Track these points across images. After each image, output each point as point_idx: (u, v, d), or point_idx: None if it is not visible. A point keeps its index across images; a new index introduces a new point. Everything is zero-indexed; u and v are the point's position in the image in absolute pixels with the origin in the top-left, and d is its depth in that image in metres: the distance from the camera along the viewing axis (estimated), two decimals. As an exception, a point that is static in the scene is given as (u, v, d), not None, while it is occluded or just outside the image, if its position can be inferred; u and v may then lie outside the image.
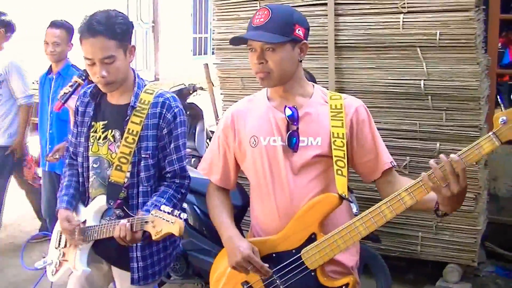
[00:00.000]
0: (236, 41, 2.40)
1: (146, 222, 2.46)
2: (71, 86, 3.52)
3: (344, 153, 2.35)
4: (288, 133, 2.37)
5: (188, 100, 6.48)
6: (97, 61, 2.60)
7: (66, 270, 2.95)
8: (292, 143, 2.36)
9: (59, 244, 2.96)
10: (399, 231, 4.34)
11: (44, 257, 3.11)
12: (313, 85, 2.51)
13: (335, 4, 4.12)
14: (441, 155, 1.97)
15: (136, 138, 2.68)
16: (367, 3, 4.07)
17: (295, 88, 2.42)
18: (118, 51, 2.61)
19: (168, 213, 2.40)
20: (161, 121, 2.70)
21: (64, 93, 3.51)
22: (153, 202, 2.66)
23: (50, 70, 4.85)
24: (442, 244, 4.24)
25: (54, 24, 4.73)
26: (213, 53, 15.72)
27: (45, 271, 3.07)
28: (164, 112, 2.70)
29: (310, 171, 2.38)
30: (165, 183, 2.77)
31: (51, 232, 3.13)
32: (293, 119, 2.36)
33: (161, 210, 2.43)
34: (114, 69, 2.62)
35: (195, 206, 4.10)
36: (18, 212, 6.92)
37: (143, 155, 2.70)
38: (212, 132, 6.64)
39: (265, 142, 2.41)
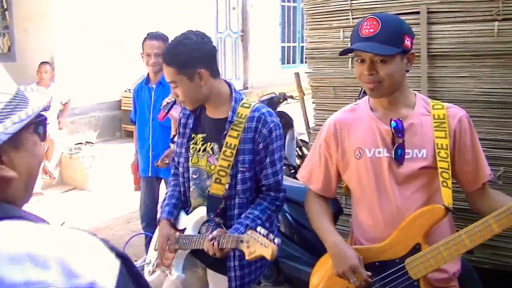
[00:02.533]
0: (345, 52, 2.47)
1: (242, 241, 2.51)
2: (173, 96, 3.66)
3: (448, 164, 2.35)
4: (395, 146, 2.39)
5: (278, 109, 6.55)
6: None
7: (162, 272, 3.07)
8: (398, 156, 2.38)
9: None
10: (492, 242, 4.24)
11: (135, 261, 3.24)
12: (415, 94, 2.52)
13: (428, 12, 4.09)
14: None
15: (234, 152, 2.77)
16: (460, 11, 4.02)
17: (400, 99, 2.44)
18: (179, 78, 2.76)
19: (264, 235, 2.44)
20: (257, 135, 2.79)
21: (167, 103, 3.66)
22: (247, 214, 2.77)
23: (148, 80, 5.00)
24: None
25: (152, 36, 4.88)
26: (301, 62, 15.86)
27: (143, 270, 3.20)
28: (260, 127, 2.79)
29: (414, 182, 2.39)
30: (261, 195, 2.86)
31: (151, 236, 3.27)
32: (398, 131, 2.38)
33: (257, 231, 2.47)
34: (181, 92, 2.79)
35: (287, 214, 4.15)
36: (110, 216, 7.16)
37: (240, 169, 2.79)
38: (302, 141, 6.70)
39: (370, 154, 2.44)
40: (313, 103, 4.73)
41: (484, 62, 4.03)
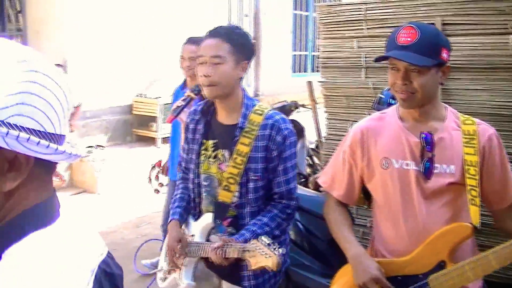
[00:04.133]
0: (380, 59, 2.40)
1: (247, 251, 2.48)
2: (184, 100, 3.65)
3: (477, 182, 2.31)
4: (424, 159, 2.35)
5: (290, 117, 6.54)
6: (207, 59, 2.67)
7: (174, 278, 3.06)
8: (426, 170, 2.34)
9: None
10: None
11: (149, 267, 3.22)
12: (446, 107, 2.48)
13: (443, 24, 4.09)
14: None
15: (245, 159, 2.72)
16: (475, 24, 4.02)
17: (431, 112, 2.40)
18: (229, 56, 2.68)
19: (267, 245, 2.42)
20: (271, 143, 2.73)
21: (177, 106, 3.65)
22: (255, 221, 2.73)
23: (184, 84, 5.02)
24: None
25: (191, 41, 4.90)
26: (312, 70, 15.85)
27: (155, 277, 3.20)
28: (273, 134, 2.73)
29: (441, 198, 2.36)
30: (272, 202, 2.81)
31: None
32: (428, 144, 2.34)
33: (260, 241, 2.45)
34: (219, 71, 2.67)
35: (297, 222, 4.14)
36: (119, 220, 7.16)
37: (252, 177, 2.74)
38: (313, 149, 6.69)
39: (397, 165, 2.40)
40: (325, 112, 4.73)
41: (498, 75, 4.03)
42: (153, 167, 5.48)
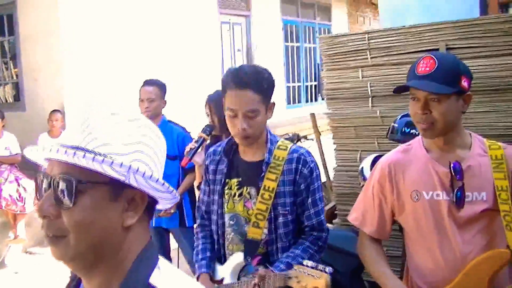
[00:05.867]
0: (399, 90, 2.40)
1: (290, 277, 2.41)
2: (196, 141, 3.62)
3: (510, 206, 2.29)
4: (455, 189, 2.33)
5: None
6: (240, 114, 2.63)
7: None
8: (458, 199, 2.31)
9: None
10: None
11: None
12: (470, 134, 2.46)
13: (447, 49, 4.10)
14: None
15: (273, 195, 2.69)
16: (479, 47, 4.04)
17: (456, 140, 2.38)
18: (261, 106, 2.66)
19: (312, 267, 2.36)
20: (298, 176, 2.71)
21: (190, 148, 3.62)
22: (288, 254, 2.67)
23: None
24: None
25: (147, 83, 4.92)
26: (306, 101, 15.86)
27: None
28: (300, 168, 2.72)
29: (475, 225, 2.33)
30: (303, 235, 2.78)
31: None
32: (457, 173, 2.32)
33: (304, 265, 2.39)
34: (255, 123, 2.66)
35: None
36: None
37: (281, 212, 2.71)
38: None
39: (428, 197, 2.37)
40: (334, 143, 4.71)
41: (504, 96, 4.03)
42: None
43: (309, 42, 16.83)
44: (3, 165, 7.95)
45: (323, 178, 6.26)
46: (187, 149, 3.79)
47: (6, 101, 11.05)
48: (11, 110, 9.90)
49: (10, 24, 10.16)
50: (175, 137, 4.85)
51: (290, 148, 2.80)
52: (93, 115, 1.25)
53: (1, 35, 10.43)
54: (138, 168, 1.18)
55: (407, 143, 2.58)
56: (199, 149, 3.87)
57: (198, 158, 3.93)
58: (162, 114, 5.00)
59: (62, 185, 1.18)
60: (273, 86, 2.76)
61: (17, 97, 10.48)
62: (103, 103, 1.35)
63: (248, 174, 2.81)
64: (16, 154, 8.28)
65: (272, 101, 2.76)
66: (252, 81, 2.64)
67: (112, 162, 1.16)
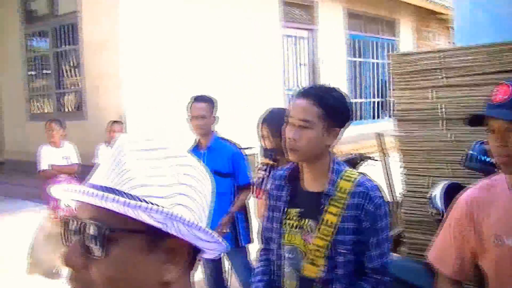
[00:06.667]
0: (474, 121, 2.16)
1: None
2: (262, 169, 3.47)
3: None
4: None
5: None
6: (295, 121, 2.47)
7: None
8: None
9: None
10: None
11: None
12: None
13: None
14: None
15: (333, 230, 2.46)
16: None
17: None
18: (318, 121, 2.45)
19: None
20: (361, 213, 2.45)
21: (258, 177, 3.47)
22: None
23: (198, 145, 4.84)
24: None
25: (198, 99, 4.78)
26: (370, 118, 15.57)
27: None
28: (364, 203, 2.45)
29: None
30: (364, 277, 2.52)
31: None
32: None
33: None
34: (305, 137, 2.45)
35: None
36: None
37: (341, 250, 2.47)
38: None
39: (509, 242, 2.13)
40: (403, 168, 4.47)
41: None
42: None
43: (374, 57, 16.55)
44: (61, 175, 7.95)
45: (388, 200, 6.03)
46: (255, 178, 3.63)
47: (69, 110, 11.17)
48: (73, 119, 9.98)
49: (73, 33, 10.26)
50: (229, 154, 4.70)
51: (356, 179, 2.52)
52: (128, 151, 1.08)
53: (65, 44, 10.53)
54: (179, 215, 1.02)
55: (492, 178, 2.32)
56: (269, 176, 3.70)
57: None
58: (213, 131, 4.85)
59: (91, 232, 1.02)
60: (344, 111, 2.54)
61: (79, 106, 10.56)
62: (139, 137, 1.11)
63: (308, 205, 2.57)
64: (74, 164, 8.29)
65: (338, 128, 2.52)
66: (316, 92, 2.49)
67: (150, 207, 0.99)
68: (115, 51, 9.24)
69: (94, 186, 1.05)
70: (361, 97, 16.11)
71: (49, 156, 8.03)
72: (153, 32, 9.57)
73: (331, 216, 2.48)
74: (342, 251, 2.47)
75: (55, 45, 10.83)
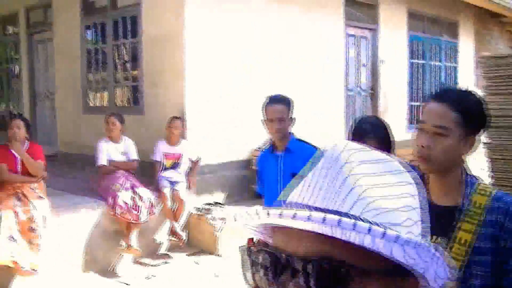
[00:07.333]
0: None
1: None
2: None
3: None
4: None
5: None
6: (428, 128, 2.24)
7: None
8: None
9: None
10: None
11: None
12: None
13: None
14: None
15: (467, 250, 2.19)
16: None
17: None
18: (455, 128, 2.20)
19: None
20: (500, 231, 2.17)
21: None
22: None
23: (273, 147, 4.61)
24: None
25: (274, 100, 4.53)
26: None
27: None
28: (503, 221, 2.17)
29: None
30: None
31: None
32: None
33: None
34: (441, 146, 2.21)
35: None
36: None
37: (477, 273, 2.18)
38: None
39: None
40: (492, 177, 4.15)
41: None
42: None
43: (435, 59, 16.08)
44: (119, 172, 7.81)
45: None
46: None
47: (126, 104, 11.07)
48: (131, 113, 9.86)
49: (133, 26, 10.12)
50: (309, 155, 4.43)
51: (492, 193, 2.27)
52: (356, 164, 0.82)
53: (124, 37, 10.41)
54: (440, 250, 0.78)
55: None
56: None
57: None
58: (290, 133, 4.63)
59: (320, 274, 0.75)
60: (482, 117, 2.29)
61: (136, 100, 10.43)
62: (353, 145, 0.81)
63: (438, 221, 2.28)
64: (133, 160, 8.15)
65: (474, 136, 2.28)
66: (453, 96, 2.26)
67: (418, 242, 0.75)
68: (178, 45, 9.05)
69: (316, 209, 0.80)
70: (421, 100, 15.66)
71: (107, 151, 7.92)
72: (218, 28, 9.37)
73: (465, 233, 2.22)
74: (479, 273, 2.20)
75: (114, 37, 10.72)
